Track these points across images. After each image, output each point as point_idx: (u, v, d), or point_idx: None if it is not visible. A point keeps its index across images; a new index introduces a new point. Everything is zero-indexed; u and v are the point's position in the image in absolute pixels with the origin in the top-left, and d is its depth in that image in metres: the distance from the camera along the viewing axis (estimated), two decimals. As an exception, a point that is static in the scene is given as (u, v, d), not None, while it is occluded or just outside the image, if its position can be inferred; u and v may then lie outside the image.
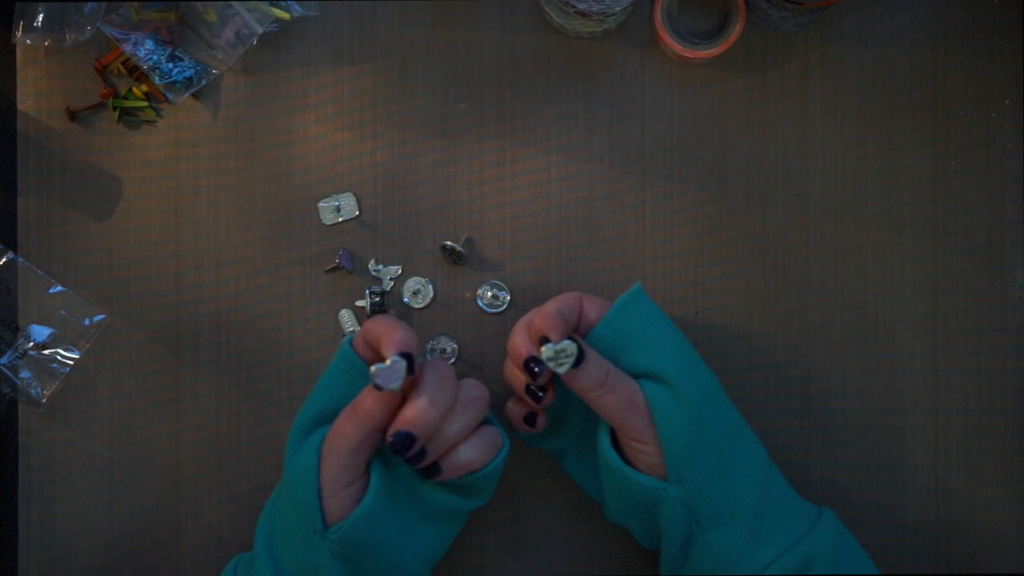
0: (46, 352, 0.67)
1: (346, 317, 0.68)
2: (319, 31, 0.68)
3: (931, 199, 0.68)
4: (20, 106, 0.69)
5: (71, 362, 0.68)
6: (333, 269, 0.68)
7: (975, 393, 0.68)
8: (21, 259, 0.67)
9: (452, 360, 0.68)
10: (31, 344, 0.68)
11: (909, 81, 0.68)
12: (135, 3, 0.67)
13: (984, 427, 0.68)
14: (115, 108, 0.68)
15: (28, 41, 0.66)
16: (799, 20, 0.65)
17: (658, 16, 0.66)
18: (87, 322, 0.68)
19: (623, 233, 0.68)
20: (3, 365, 0.67)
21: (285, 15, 0.66)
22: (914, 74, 0.68)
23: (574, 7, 0.62)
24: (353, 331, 0.68)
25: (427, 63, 0.68)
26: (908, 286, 0.68)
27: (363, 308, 0.68)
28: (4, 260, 0.66)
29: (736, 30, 0.65)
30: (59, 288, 0.67)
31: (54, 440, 0.68)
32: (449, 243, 0.67)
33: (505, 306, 0.68)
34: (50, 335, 0.68)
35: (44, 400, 0.67)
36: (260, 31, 0.66)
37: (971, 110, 0.68)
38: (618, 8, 0.62)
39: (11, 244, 0.68)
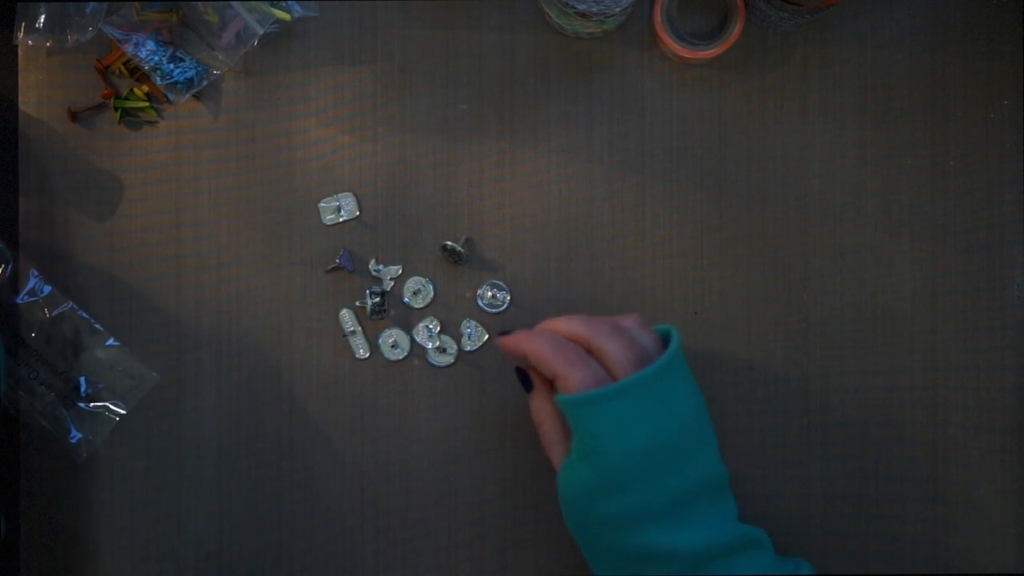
0: (93, 405, 0.67)
1: (346, 317, 0.68)
2: (319, 32, 0.69)
3: (930, 199, 0.69)
4: (22, 107, 0.69)
5: (117, 417, 0.68)
6: (333, 269, 0.68)
7: (974, 392, 0.68)
8: (83, 313, 0.67)
9: (458, 347, 0.68)
10: (80, 396, 0.67)
11: (908, 82, 0.69)
12: (136, 4, 0.67)
13: (983, 426, 0.68)
14: (116, 109, 0.68)
15: (30, 42, 0.66)
16: (798, 21, 0.65)
17: (658, 17, 0.66)
18: (138, 379, 0.68)
19: (623, 233, 0.68)
20: (50, 413, 0.67)
21: (286, 16, 0.66)
22: (913, 75, 0.69)
23: (574, 8, 0.62)
24: (353, 331, 0.68)
25: (427, 63, 0.69)
26: (907, 286, 0.68)
27: (363, 308, 0.68)
28: (63, 310, 0.66)
29: (735, 31, 0.66)
30: (114, 342, 0.67)
31: (54, 440, 0.68)
32: (449, 243, 0.67)
33: (505, 306, 0.68)
34: (99, 388, 0.68)
35: (84, 454, 0.67)
36: (261, 32, 0.66)
37: (970, 111, 0.68)
38: (618, 9, 0.62)
39: (12, 244, 0.68)
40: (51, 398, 0.67)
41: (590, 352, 0.58)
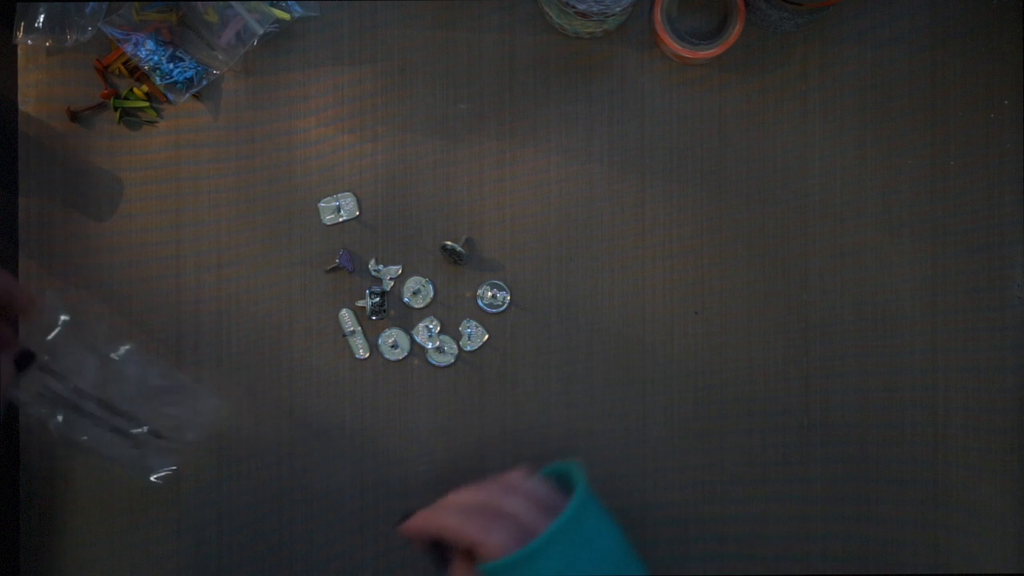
0: (166, 440, 0.66)
1: (346, 317, 0.68)
2: (319, 32, 0.69)
3: (930, 199, 0.68)
4: (21, 107, 0.69)
5: (189, 446, 0.66)
6: (333, 269, 0.68)
7: (974, 392, 0.68)
8: (137, 353, 0.66)
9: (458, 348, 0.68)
10: (145, 430, 0.66)
11: (908, 82, 0.69)
12: (136, 4, 0.67)
13: (983, 425, 0.68)
14: (116, 108, 0.68)
15: (29, 41, 0.66)
16: (798, 21, 0.65)
17: (658, 17, 0.66)
18: (202, 411, 0.67)
19: (623, 233, 0.68)
20: (126, 456, 0.65)
21: (286, 16, 0.66)
22: (913, 75, 0.69)
23: (574, 8, 0.62)
24: (353, 331, 0.68)
25: (427, 63, 0.69)
26: (907, 286, 0.68)
27: (363, 308, 0.68)
28: (124, 350, 0.65)
29: (735, 31, 0.66)
30: (178, 374, 0.66)
31: (55, 440, 0.68)
32: (449, 243, 0.67)
33: (505, 306, 0.68)
34: (167, 422, 0.66)
35: (152, 478, 0.66)
36: (260, 32, 0.66)
37: (970, 111, 0.68)
38: (618, 8, 0.62)
39: (12, 244, 0.68)
40: (124, 440, 0.65)
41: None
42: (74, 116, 0.68)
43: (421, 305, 0.68)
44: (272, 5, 0.66)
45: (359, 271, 0.69)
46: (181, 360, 0.69)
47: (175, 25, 0.68)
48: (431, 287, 0.68)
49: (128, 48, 0.67)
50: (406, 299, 0.68)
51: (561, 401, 0.68)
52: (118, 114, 0.68)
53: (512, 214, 0.69)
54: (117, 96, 0.68)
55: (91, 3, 0.66)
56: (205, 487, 0.68)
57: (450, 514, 0.55)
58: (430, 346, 0.68)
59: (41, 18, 0.66)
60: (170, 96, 0.68)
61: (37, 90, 0.69)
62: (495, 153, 0.69)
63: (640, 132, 0.68)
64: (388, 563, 0.68)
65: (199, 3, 0.66)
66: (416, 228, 0.69)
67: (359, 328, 0.68)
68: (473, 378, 0.68)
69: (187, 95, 0.68)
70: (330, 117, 0.69)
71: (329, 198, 0.68)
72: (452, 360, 0.68)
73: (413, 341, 0.68)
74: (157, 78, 0.67)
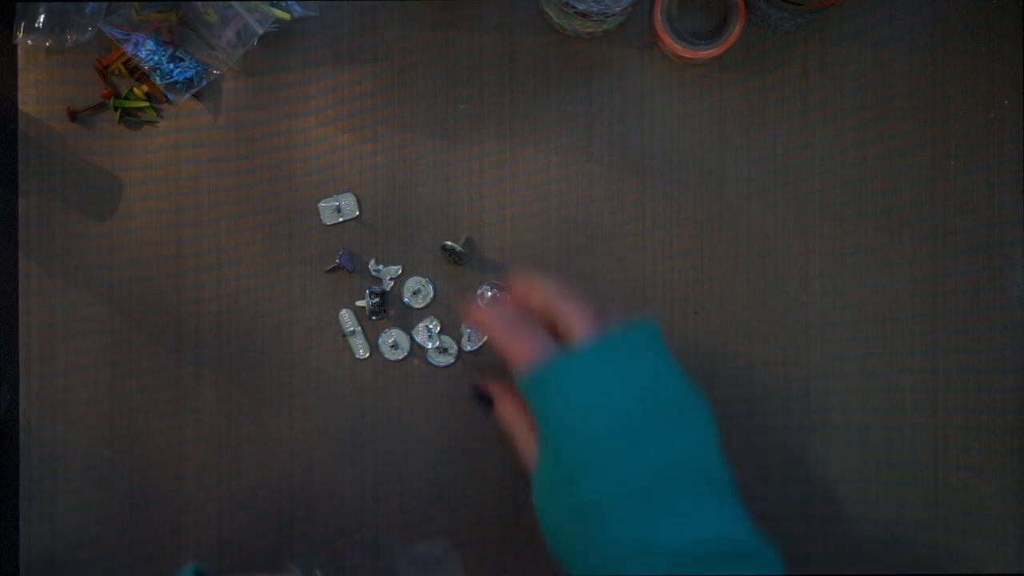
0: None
1: (346, 317, 0.68)
2: (319, 32, 0.69)
3: (930, 199, 0.68)
4: (21, 107, 0.69)
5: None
6: (333, 269, 0.68)
7: (974, 392, 0.68)
8: None
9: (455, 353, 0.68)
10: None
11: (909, 82, 0.69)
12: (136, 4, 0.67)
13: (983, 426, 0.68)
14: (116, 108, 0.68)
15: (29, 41, 0.66)
16: (798, 21, 0.65)
17: (658, 16, 0.66)
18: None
19: (623, 233, 0.68)
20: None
21: (286, 15, 0.66)
22: (914, 75, 0.69)
23: (574, 7, 0.62)
24: (353, 331, 0.68)
25: (427, 63, 0.69)
26: (907, 286, 0.68)
27: (363, 308, 0.68)
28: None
29: (736, 30, 0.66)
30: None
31: (55, 440, 0.68)
32: (449, 243, 0.67)
33: (505, 306, 0.68)
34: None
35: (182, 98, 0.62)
36: (260, 31, 0.66)
37: (970, 111, 0.68)
38: (618, 8, 0.62)
39: (12, 244, 0.68)
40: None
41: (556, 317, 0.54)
42: (74, 116, 0.68)
43: (421, 305, 0.68)
44: (272, 5, 0.66)
45: (359, 271, 0.69)
46: (181, 360, 0.69)
47: (175, 25, 0.68)
48: (431, 287, 0.68)
49: (128, 48, 0.67)
50: (406, 299, 0.68)
51: (561, 401, 0.68)
52: (118, 114, 0.68)
53: (512, 214, 0.69)
54: (117, 96, 0.68)
55: (91, 3, 0.66)
56: (205, 487, 0.68)
57: (495, 314, 0.55)
58: (430, 346, 0.68)
59: (41, 18, 0.66)
60: (170, 96, 0.68)
61: (37, 90, 0.69)
62: (495, 153, 0.69)
63: (640, 132, 0.68)
64: (388, 563, 0.68)
65: (199, 3, 0.66)
66: (416, 228, 0.69)
67: (359, 328, 0.68)
68: (473, 378, 0.68)
69: (187, 95, 0.68)
70: (330, 117, 0.69)
71: (329, 198, 0.68)
72: (452, 360, 0.68)
73: (413, 341, 0.68)
74: (157, 78, 0.67)
